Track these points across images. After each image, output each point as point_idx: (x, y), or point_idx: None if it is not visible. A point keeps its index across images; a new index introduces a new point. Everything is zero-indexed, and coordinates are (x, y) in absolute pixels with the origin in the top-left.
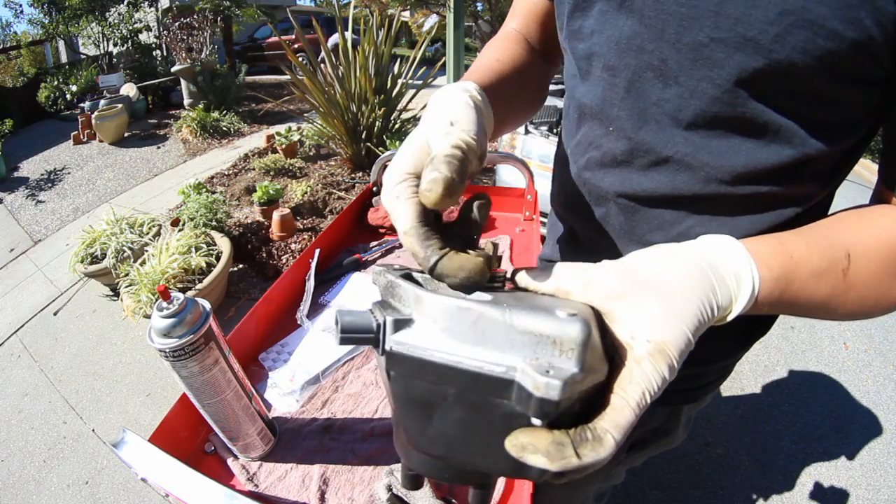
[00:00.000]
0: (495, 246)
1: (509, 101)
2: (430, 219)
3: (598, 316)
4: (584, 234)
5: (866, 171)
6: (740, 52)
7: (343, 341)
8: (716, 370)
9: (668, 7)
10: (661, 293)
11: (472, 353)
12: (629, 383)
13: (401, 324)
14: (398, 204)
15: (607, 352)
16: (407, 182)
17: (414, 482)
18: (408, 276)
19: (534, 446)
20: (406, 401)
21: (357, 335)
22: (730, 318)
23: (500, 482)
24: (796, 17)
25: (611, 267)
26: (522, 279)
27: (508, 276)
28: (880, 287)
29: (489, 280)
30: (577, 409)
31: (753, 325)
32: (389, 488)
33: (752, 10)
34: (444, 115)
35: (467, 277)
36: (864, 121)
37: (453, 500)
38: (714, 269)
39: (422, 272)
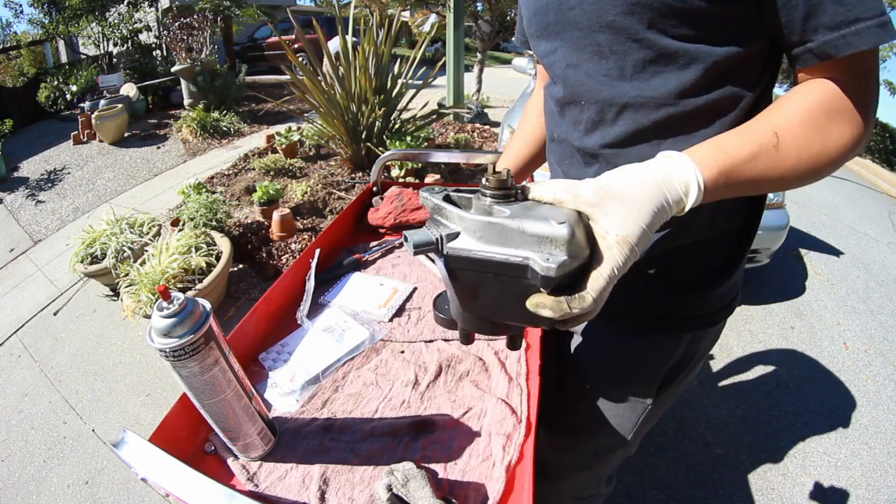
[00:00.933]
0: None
1: (528, 165)
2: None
3: (583, 218)
4: None
5: (865, 170)
6: (634, 14)
7: (416, 253)
8: (726, 292)
9: (586, 9)
10: (625, 202)
11: (499, 251)
12: (603, 262)
13: (451, 236)
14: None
15: (589, 241)
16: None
17: (466, 338)
18: (448, 198)
19: (543, 304)
20: (461, 284)
21: (425, 247)
22: (686, 209)
23: (501, 480)
24: None
25: (590, 183)
26: (531, 191)
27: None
28: (812, 146)
29: (507, 195)
30: (569, 281)
31: (740, 237)
32: (389, 488)
33: None
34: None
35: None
36: (757, 29)
37: (453, 500)
38: (665, 181)
39: (456, 191)
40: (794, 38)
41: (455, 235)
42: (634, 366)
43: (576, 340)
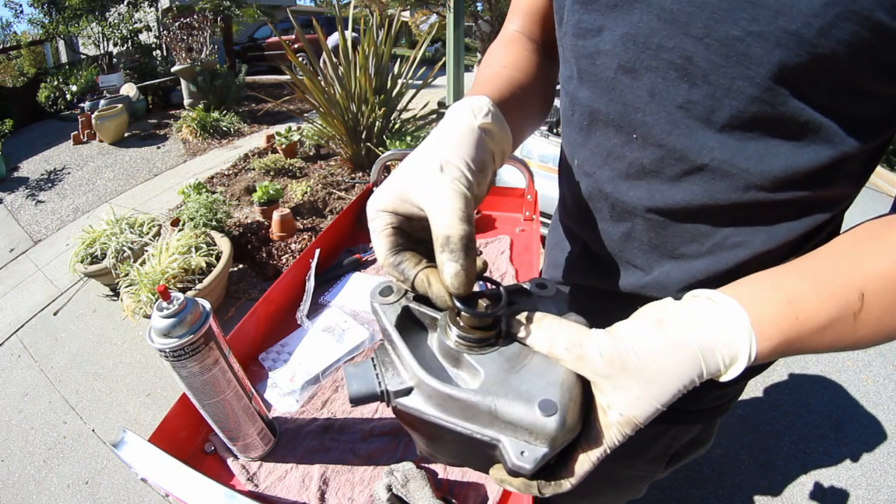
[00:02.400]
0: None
1: (523, 108)
2: (404, 243)
3: (583, 381)
4: (604, 250)
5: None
6: (781, 47)
7: (354, 405)
8: (743, 385)
9: None
10: (645, 379)
11: (462, 424)
12: (595, 445)
13: (400, 393)
14: (375, 237)
15: (584, 408)
16: (380, 218)
17: (425, 458)
18: (406, 315)
19: (509, 482)
20: (413, 430)
21: (365, 399)
22: (722, 380)
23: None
24: (842, 9)
25: (604, 344)
26: (522, 331)
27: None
28: None
29: (484, 339)
30: (546, 465)
31: None
32: (389, 488)
33: (794, 1)
34: (436, 155)
35: (437, 295)
36: (894, 115)
37: (453, 500)
38: (707, 350)
39: (423, 299)
40: None
41: (406, 392)
42: (644, 447)
43: None
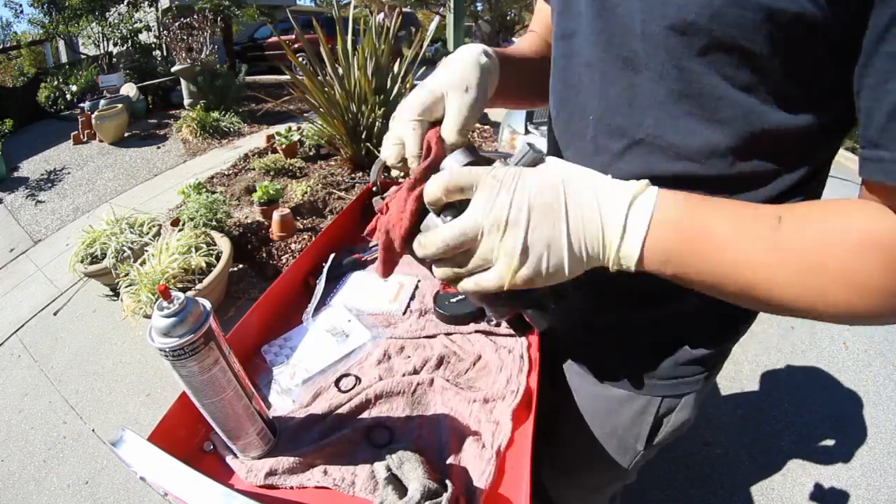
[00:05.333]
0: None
1: (516, 71)
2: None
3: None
4: None
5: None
6: (686, 35)
7: None
8: (726, 350)
9: (632, 6)
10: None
11: None
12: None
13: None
14: (405, 130)
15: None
16: (411, 126)
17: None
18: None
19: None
20: None
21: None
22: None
23: (492, 462)
24: None
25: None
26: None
27: None
28: (819, 279)
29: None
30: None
31: (737, 316)
32: (388, 468)
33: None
34: (461, 80)
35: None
36: (829, 99)
37: (447, 481)
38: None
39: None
40: (869, 133)
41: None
42: (616, 411)
43: (573, 388)
